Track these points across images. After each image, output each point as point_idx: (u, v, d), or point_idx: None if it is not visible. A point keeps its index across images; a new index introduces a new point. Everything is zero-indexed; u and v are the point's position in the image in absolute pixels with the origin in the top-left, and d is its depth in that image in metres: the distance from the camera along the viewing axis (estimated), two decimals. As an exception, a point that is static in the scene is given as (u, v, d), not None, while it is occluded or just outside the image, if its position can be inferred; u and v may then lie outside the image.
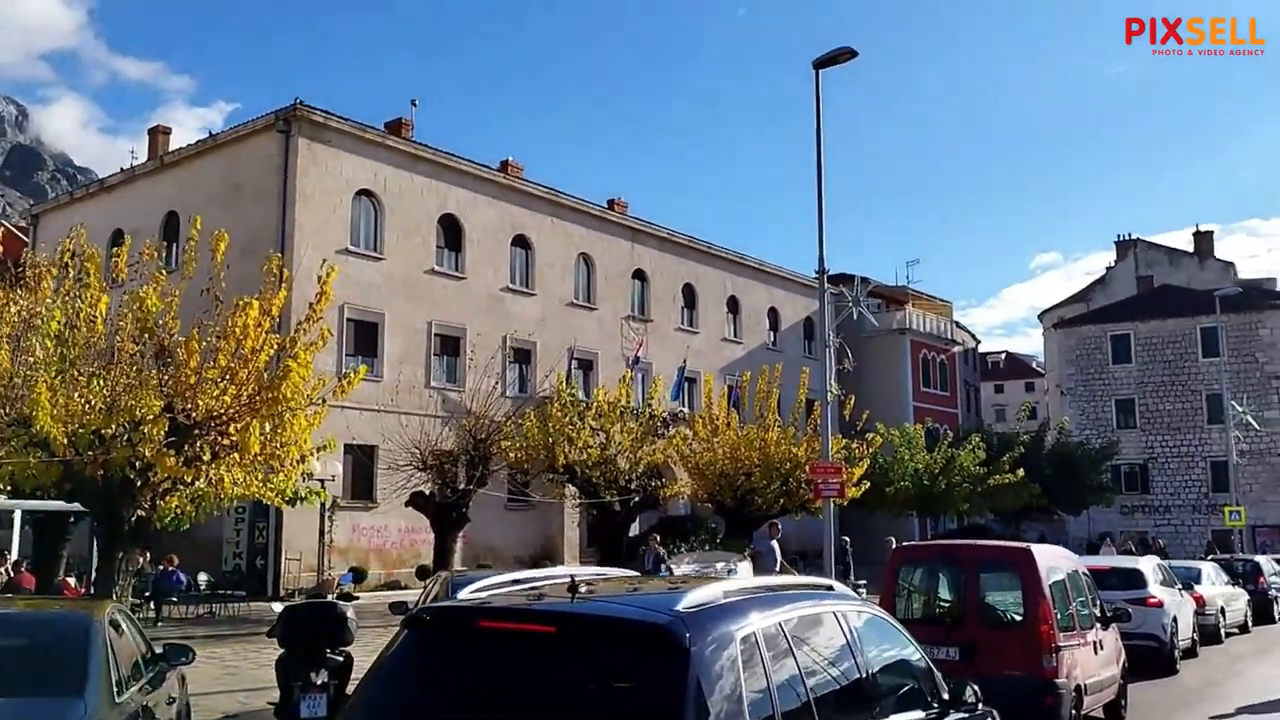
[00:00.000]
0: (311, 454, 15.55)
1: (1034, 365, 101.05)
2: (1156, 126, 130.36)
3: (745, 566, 29.35)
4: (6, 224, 48.60)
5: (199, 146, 31.95)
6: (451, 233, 33.80)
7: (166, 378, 14.72)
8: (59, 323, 14.34)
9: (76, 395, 14.26)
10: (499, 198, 35.21)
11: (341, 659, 8.59)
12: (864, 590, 19.51)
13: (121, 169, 34.75)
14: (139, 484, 14.86)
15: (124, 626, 6.60)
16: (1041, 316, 70.15)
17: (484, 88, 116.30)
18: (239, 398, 14.60)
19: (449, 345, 33.21)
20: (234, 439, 14.75)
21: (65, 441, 13.55)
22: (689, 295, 43.13)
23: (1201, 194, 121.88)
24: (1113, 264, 66.24)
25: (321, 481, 20.46)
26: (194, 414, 14.45)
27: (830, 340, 18.29)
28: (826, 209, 17.59)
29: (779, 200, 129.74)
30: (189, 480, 14.57)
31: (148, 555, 22.96)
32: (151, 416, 13.44)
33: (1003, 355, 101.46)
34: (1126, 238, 64.92)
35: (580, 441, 25.30)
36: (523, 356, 34.81)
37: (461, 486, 21.47)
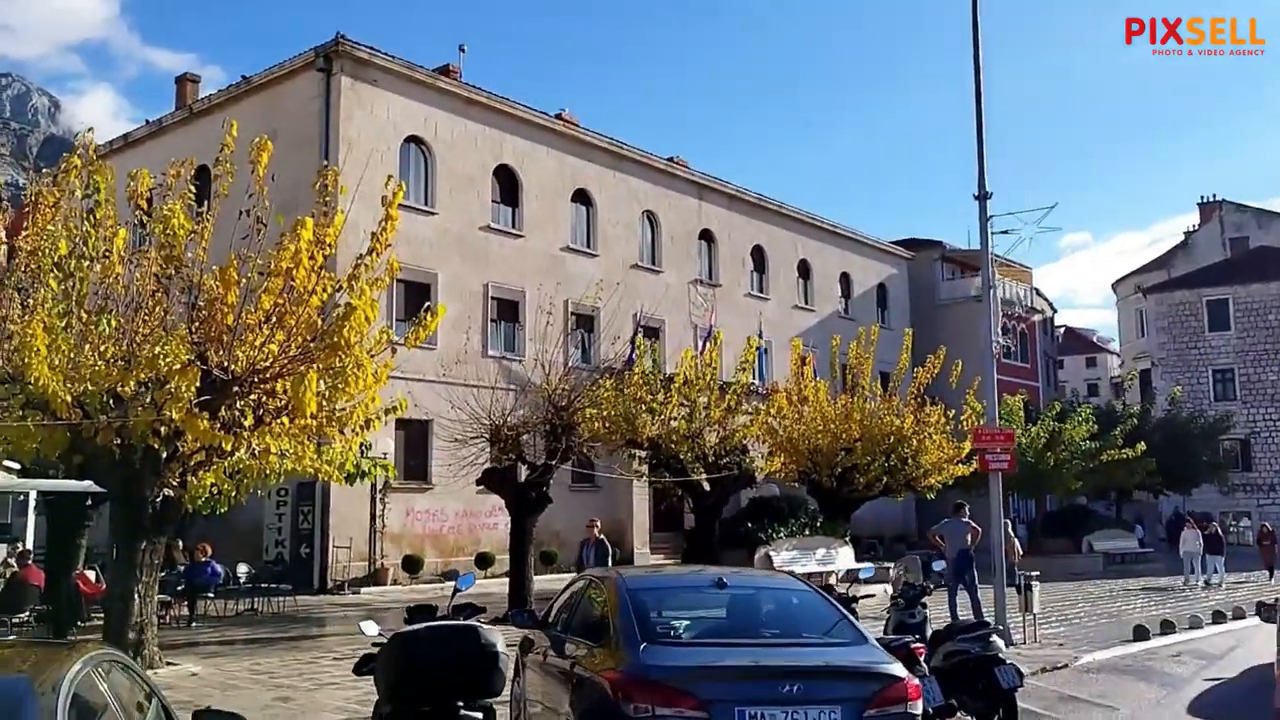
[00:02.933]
0: (378, 418, 12.45)
1: (1094, 339, 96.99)
2: (1172, 108, 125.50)
3: (846, 552, 26.33)
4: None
5: (231, 92, 28.93)
6: (508, 186, 30.66)
7: (197, 322, 11.67)
8: (62, 253, 11.27)
9: (86, 345, 11.24)
10: (558, 149, 32.00)
11: (481, 716, 5.46)
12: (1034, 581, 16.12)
13: (147, 121, 31.84)
14: (165, 456, 11.86)
15: (107, 686, 3.41)
16: (1117, 285, 66.28)
17: (531, 36, 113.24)
18: (289, 346, 11.51)
19: (506, 309, 30.13)
20: (283, 398, 11.69)
21: (69, 400, 10.50)
22: (758, 258, 39.80)
23: (1219, 174, 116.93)
24: (1194, 228, 62.23)
25: (383, 454, 17.43)
26: (233, 366, 11.38)
27: (992, 281, 14.99)
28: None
29: (848, 163, 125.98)
30: (227, 450, 11.51)
31: (180, 545, 20.08)
32: (179, 368, 10.35)
33: (1061, 329, 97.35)
34: (1211, 199, 60.90)
35: (665, 413, 22.17)
36: (585, 323, 31.61)
37: (541, 461, 18.36)
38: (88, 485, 13.57)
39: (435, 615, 6.29)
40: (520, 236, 30.61)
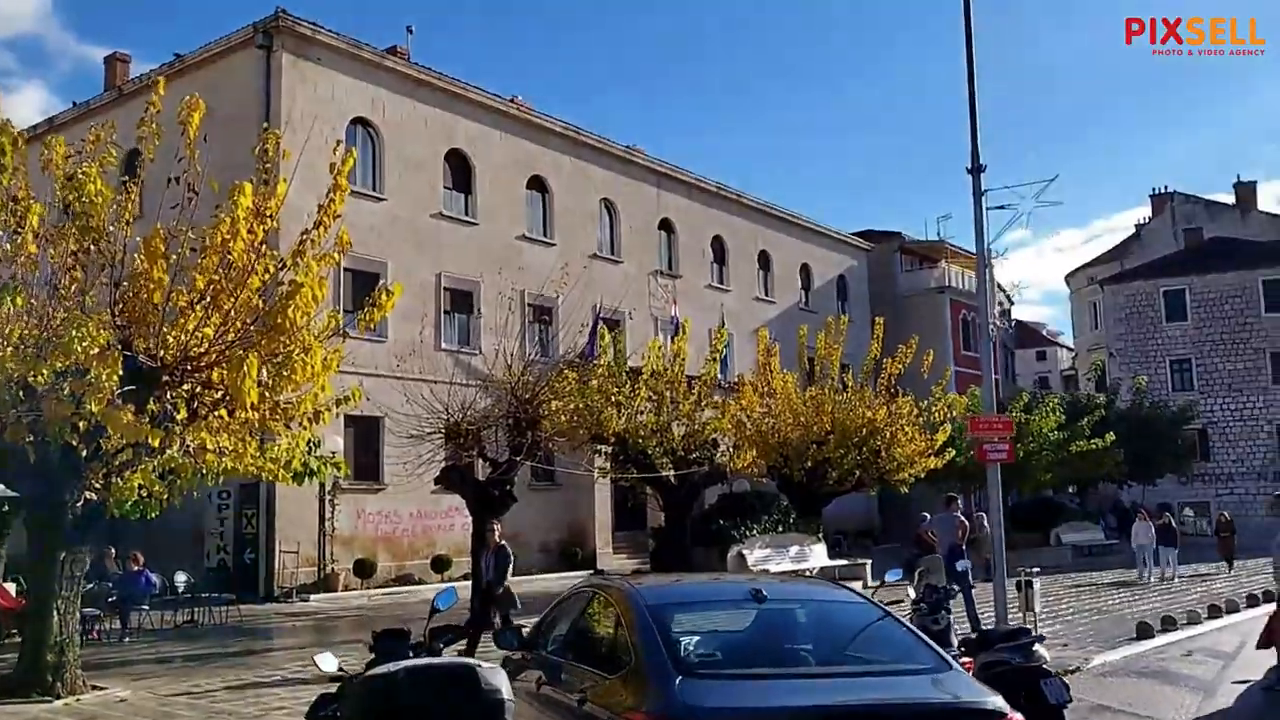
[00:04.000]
0: (328, 410, 11.17)
1: (1044, 333, 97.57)
2: (1107, 107, 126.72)
3: (820, 549, 25.44)
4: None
5: (164, 71, 27.19)
6: (460, 172, 29.32)
7: (121, 304, 10.33)
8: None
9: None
10: (512, 133, 30.73)
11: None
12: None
13: (74, 103, 30.01)
14: (85, 454, 10.49)
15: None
16: (1069, 278, 66.36)
17: (482, 20, 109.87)
18: (226, 330, 10.22)
19: (461, 301, 28.80)
20: (221, 389, 10.40)
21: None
22: (718, 249, 38.81)
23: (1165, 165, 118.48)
24: (1145, 219, 62.38)
25: (332, 452, 16.09)
26: (161, 353, 10.06)
27: (988, 257, 14.06)
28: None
29: (805, 148, 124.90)
30: (155, 448, 10.17)
31: (113, 552, 18.59)
32: (96, 353, 9.01)
33: (1012, 324, 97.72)
34: (1162, 191, 61.09)
35: (632, 407, 21.06)
36: (543, 314, 30.33)
37: (504, 458, 17.11)
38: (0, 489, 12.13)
39: (408, 641, 5.10)
40: (474, 224, 29.30)
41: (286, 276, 10.64)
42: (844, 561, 24.98)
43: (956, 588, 15.88)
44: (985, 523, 19.16)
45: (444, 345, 27.65)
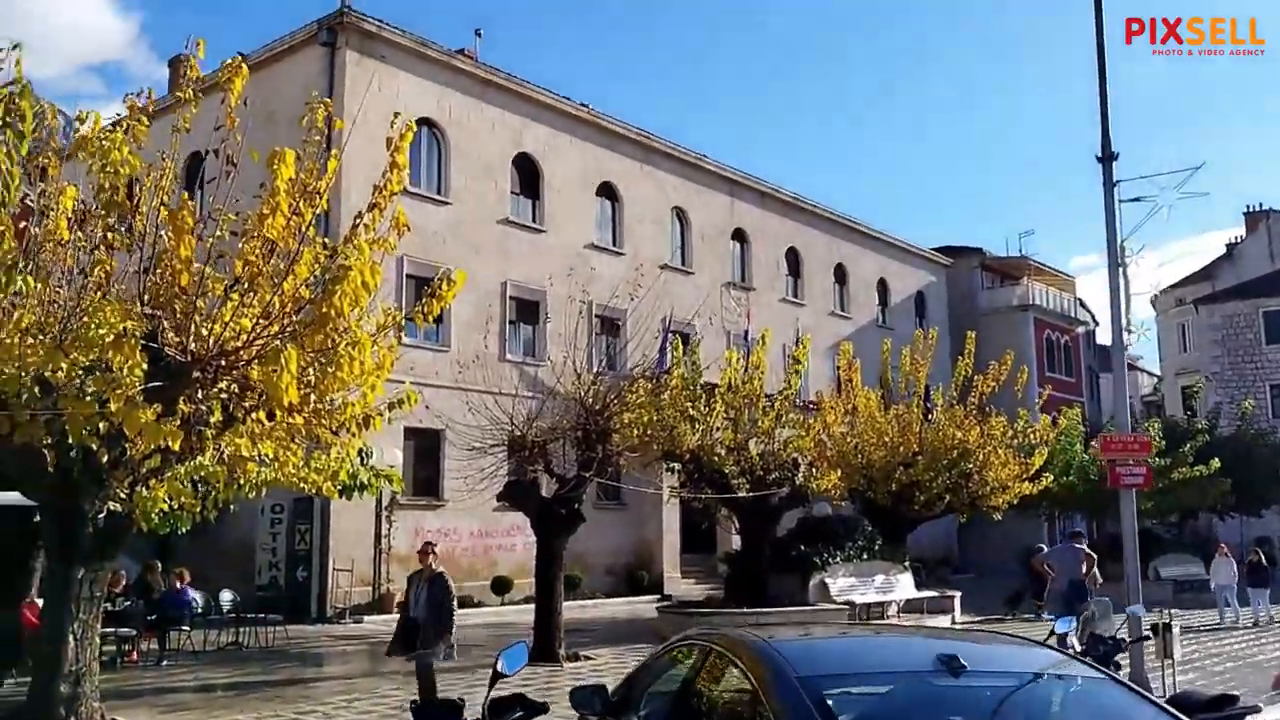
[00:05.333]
0: (379, 414, 9.87)
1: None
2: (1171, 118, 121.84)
3: (906, 579, 23.67)
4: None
5: (226, 72, 26.47)
6: (528, 177, 28.18)
7: (147, 292, 9.14)
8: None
9: None
10: (581, 138, 29.53)
11: None
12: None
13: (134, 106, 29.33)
14: (108, 461, 9.30)
15: None
16: (1155, 299, 63.42)
17: (551, 23, 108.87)
18: (270, 322, 8.97)
19: (526, 310, 27.59)
20: (260, 388, 9.14)
21: (-31, 383, 7.95)
22: (793, 261, 37.21)
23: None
24: (1239, 239, 59.40)
25: (390, 465, 14.88)
26: (193, 346, 8.84)
27: (1120, 256, 12.43)
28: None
29: (884, 161, 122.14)
30: (178, 452, 8.93)
31: (159, 567, 17.57)
32: (110, 340, 7.79)
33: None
34: (1257, 208, 58.14)
35: (709, 423, 19.63)
36: (610, 327, 29.01)
37: (572, 473, 15.77)
38: (15, 497, 11.02)
39: (460, 713, 3.73)
40: (541, 231, 28.12)
41: (337, 264, 9.41)
42: (933, 593, 23.17)
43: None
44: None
45: (509, 356, 26.45)
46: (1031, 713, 3.63)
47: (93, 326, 8.14)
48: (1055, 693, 3.69)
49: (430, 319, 9.72)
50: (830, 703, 3.39)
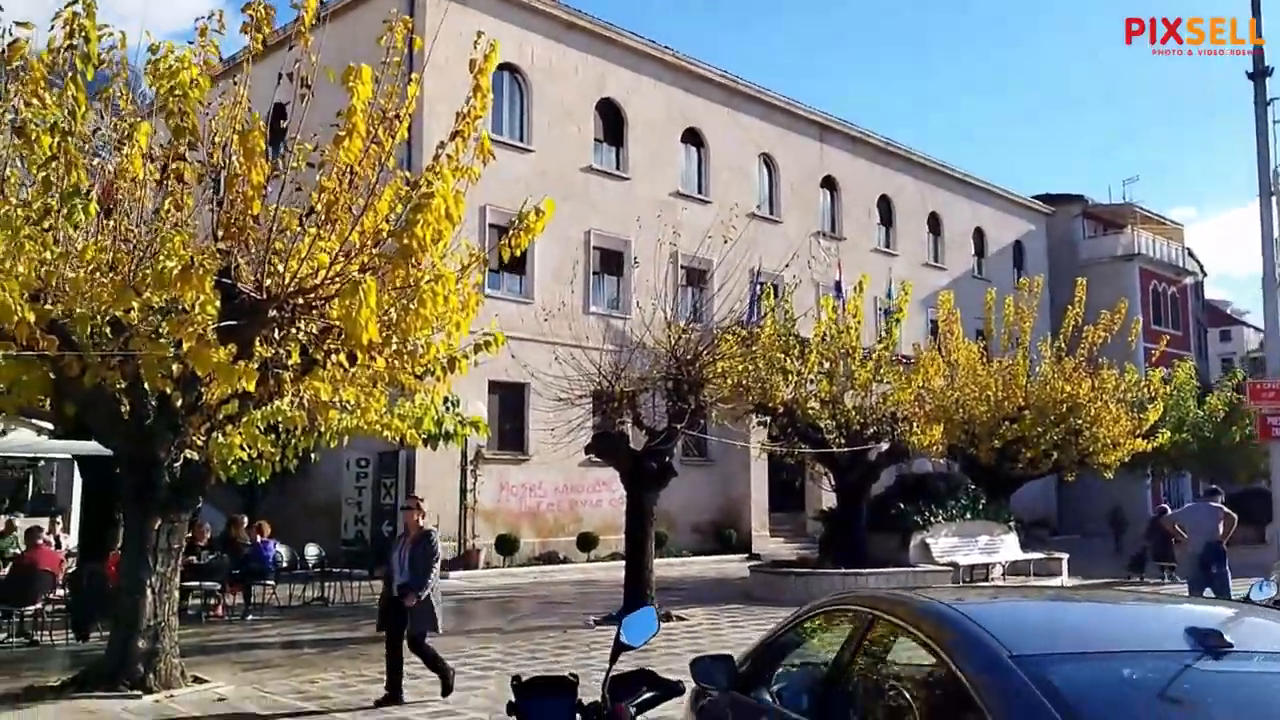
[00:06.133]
0: (465, 356, 9.21)
1: (1228, 311, 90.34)
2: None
3: (1011, 540, 22.56)
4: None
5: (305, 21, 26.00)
6: (612, 123, 27.32)
7: (219, 224, 8.56)
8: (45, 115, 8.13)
9: (58, 247, 8.23)
10: (666, 82, 28.51)
11: None
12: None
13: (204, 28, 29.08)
14: (183, 406, 8.80)
15: None
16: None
17: None
18: (351, 256, 8.33)
19: (610, 261, 26.85)
20: (339, 329, 8.52)
21: (31, 321, 7.42)
22: (885, 210, 35.80)
23: None
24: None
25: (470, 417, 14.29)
26: (268, 282, 8.24)
27: (1273, 182, 11.15)
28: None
29: (977, 106, 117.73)
30: (263, 399, 8.38)
31: (244, 521, 17.32)
32: (178, 273, 7.19)
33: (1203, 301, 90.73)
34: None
35: (805, 375, 18.71)
36: (696, 278, 28.08)
37: (663, 425, 15.02)
38: (94, 446, 10.65)
39: (572, 700, 3.00)
40: (625, 179, 27.28)
41: (419, 194, 8.72)
42: (1039, 555, 22.06)
43: (1196, 585, 13.12)
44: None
45: (593, 308, 25.78)
46: None
47: (162, 259, 7.57)
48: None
49: (518, 251, 8.98)
50: (1063, 692, 2.55)
